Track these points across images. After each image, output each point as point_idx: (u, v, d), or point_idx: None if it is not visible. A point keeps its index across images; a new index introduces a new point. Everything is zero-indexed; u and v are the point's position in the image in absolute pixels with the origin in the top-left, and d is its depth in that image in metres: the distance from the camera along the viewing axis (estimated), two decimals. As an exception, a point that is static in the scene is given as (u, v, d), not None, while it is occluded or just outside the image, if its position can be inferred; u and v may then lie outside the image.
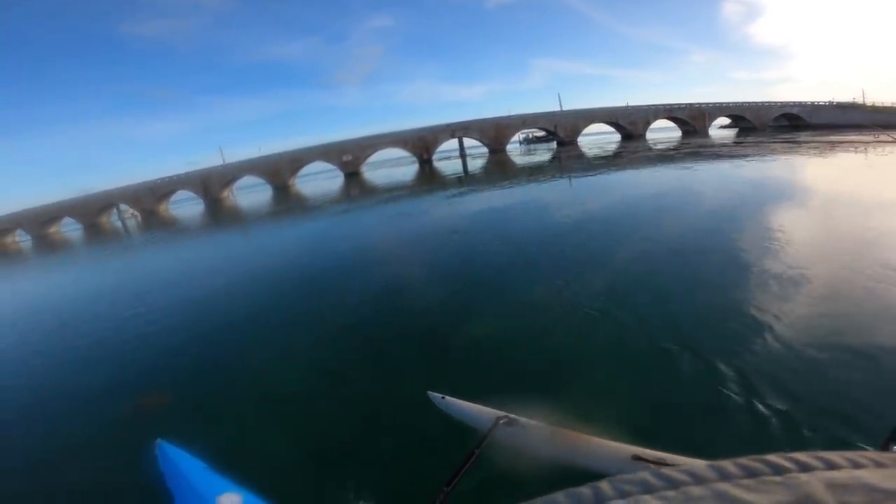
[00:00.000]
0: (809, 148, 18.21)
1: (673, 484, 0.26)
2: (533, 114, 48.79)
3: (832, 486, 0.24)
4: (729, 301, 4.06)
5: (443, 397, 2.37)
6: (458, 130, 48.35)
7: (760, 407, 2.60)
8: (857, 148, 16.53)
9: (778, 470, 0.26)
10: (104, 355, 5.20)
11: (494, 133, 47.49)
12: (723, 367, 3.02)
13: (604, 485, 0.27)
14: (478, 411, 2.18)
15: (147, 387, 4.12)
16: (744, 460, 0.27)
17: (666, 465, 1.60)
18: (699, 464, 0.27)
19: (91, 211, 46.42)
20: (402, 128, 48.89)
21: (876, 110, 35.29)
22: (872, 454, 0.26)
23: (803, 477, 0.25)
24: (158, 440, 2.34)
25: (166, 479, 2.13)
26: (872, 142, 17.56)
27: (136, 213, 46.86)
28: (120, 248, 19.66)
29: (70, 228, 45.60)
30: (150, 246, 17.94)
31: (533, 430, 1.95)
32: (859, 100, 38.93)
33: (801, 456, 0.27)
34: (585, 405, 2.68)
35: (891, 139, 16.93)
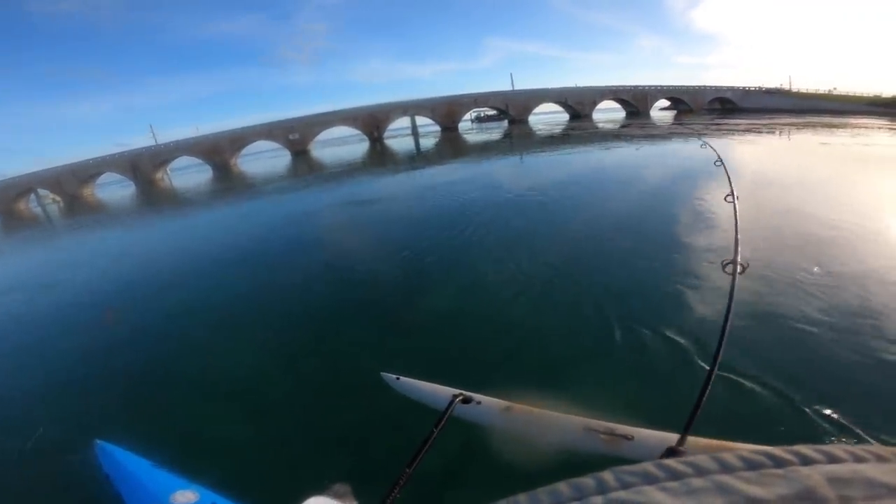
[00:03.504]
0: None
1: (675, 475, 0.26)
2: (485, 93, 48.83)
3: (833, 479, 0.24)
4: (669, 273, 4.21)
5: (397, 378, 2.30)
6: (411, 109, 47.56)
7: (701, 375, 2.70)
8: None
9: (779, 463, 0.26)
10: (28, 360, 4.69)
11: (447, 111, 47.11)
12: (665, 338, 3.10)
13: (606, 475, 0.27)
14: (434, 390, 2.13)
15: (77, 387, 3.73)
16: (746, 453, 0.27)
17: (614, 434, 1.65)
18: (702, 456, 0.27)
19: (6, 197, 42.41)
20: (355, 106, 47.60)
21: (800, 96, 38.25)
22: (874, 448, 0.26)
23: (804, 470, 0.25)
24: (96, 440, 2.16)
25: (112, 481, 1.97)
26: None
27: (57, 198, 43.61)
28: (38, 236, 17.76)
29: (-21, 217, 40.83)
30: (74, 232, 16.34)
31: (489, 407, 1.93)
32: (786, 85, 42.01)
33: (804, 448, 0.27)
34: (539, 379, 2.71)
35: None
